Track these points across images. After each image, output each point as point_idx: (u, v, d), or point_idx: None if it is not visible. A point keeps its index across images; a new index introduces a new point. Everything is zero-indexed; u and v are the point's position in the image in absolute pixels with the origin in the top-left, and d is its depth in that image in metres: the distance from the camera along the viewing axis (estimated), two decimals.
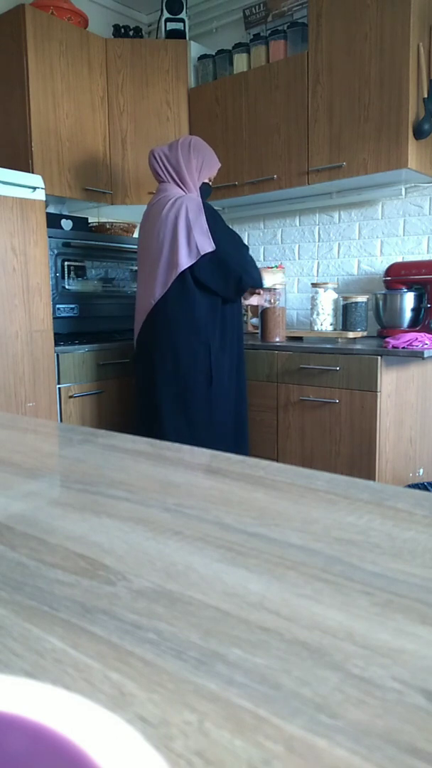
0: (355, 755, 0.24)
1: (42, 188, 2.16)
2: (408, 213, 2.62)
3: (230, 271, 2.03)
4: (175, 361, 2.06)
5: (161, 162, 2.13)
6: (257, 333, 2.70)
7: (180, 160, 2.10)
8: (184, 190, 2.11)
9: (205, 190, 2.17)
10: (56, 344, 2.30)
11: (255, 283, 2.14)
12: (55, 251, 2.47)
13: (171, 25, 2.86)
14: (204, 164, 2.14)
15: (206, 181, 2.17)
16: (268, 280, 2.38)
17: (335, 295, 2.52)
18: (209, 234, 2.00)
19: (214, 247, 2.00)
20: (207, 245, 1.99)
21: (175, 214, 2.03)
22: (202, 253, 1.99)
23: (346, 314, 2.51)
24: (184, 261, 2.01)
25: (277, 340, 2.48)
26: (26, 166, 2.47)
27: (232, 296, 2.11)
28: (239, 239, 2.14)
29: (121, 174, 2.83)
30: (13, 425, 0.87)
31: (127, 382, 2.52)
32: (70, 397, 2.33)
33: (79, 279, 2.59)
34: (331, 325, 2.51)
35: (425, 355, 2.02)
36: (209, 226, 2.01)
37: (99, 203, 2.82)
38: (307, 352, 2.27)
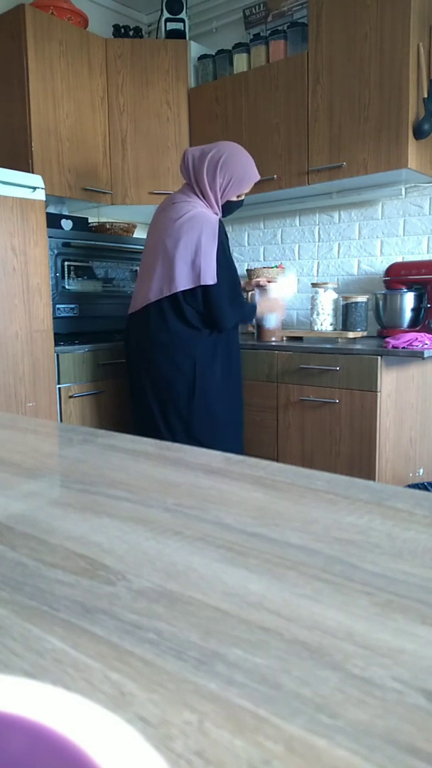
0: (355, 755, 0.24)
1: (42, 188, 2.16)
2: (408, 213, 2.62)
3: (216, 309, 1.99)
4: (158, 371, 2.05)
5: (189, 167, 2.03)
6: (254, 333, 2.70)
7: (204, 176, 1.99)
8: (205, 204, 2.03)
9: (229, 207, 2.08)
10: (56, 344, 2.30)
11: (237, 323, 2.11)
12: (55, 251, 2.47)
13: (171, 25, 2.86)
14: (232, 184, 2.01)
15: (233, 198, 2.06)
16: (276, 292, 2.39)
17: (335, 295, 2.52)
18: (215, 268, 1.94)
19: (216, 281, 1.94)
20: (209, 278, 1.94)
21: (187, 232, 1.95)
22: (202, 284, 1.95)
23: (346, 314, 2.51)
24: (182, 284, 1.96)
25: (273, 340, 2.49)
26: (26, 166, 2.47)
27: (213, 328, 2.06)
28: (236, 275, 2.08)
29: (121, 174, 2.83)
30: (13, 425, 0.87)
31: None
32: (70, 397, 2.33)
33: (79, 279, 2.59)
34: (331, 325, 2.51)
35: (425, 355, 2.02)
36: (218, 259, 1.95)
37: (99, 203, 2.82)
38: (307, 352, 2.27)
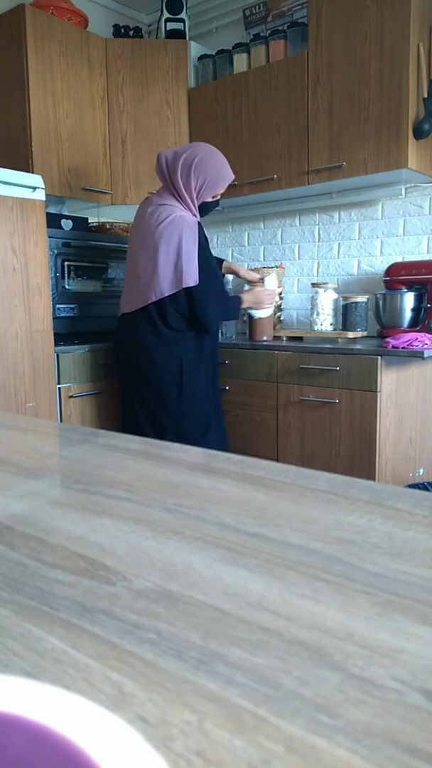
0: (355, 755, 0.24)
1: (42, 188, 2.16)
2: (408, 213, 2.62)
3: (200, 310, 2.02)
4: (146, 372, 2.09)
5: (164, 169, 2.05)
6: (245, 333, 2.70)
7: (178, 178, 2.01)
8: (182, 206, 2.05)
9: (205, 208, 2.10)
10: (56, 344, 2.30)
11: (222, 320, 2.14)
12: (55, 251, 2.47)
13: (171, 25, 2.85)
14: (206, 185, 2.02)
15: (209, 199, 2.07)
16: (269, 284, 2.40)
17: (335, 295, 2.52)
18: (197, 269, 1.97)
19: (198, 282, 1.97)
20: (191, 279, 1.97)
21: (168, 237, 1.97)
22: (184, 286, 1.98)
23: (346, 314, 2.51)
24: (166, 289, 1.99)
25: (265, 339, 2.48)
26: (26, 166, 2.47)
27: (199, 330, 2.10)
28: (218, 275, 2.10)
29: (121, 174, 2.83)
30: (13, 425, 0.87)
31: None
32: (70, 397, 2.33)
33: (79, 279, 2.59)
34: (331, 325, 2.51)
35: (425, 355, 2.02)
36: (198, 260, 1.97)
37: (99, 203, 2.82)
38: (307, 352, 2.27)
